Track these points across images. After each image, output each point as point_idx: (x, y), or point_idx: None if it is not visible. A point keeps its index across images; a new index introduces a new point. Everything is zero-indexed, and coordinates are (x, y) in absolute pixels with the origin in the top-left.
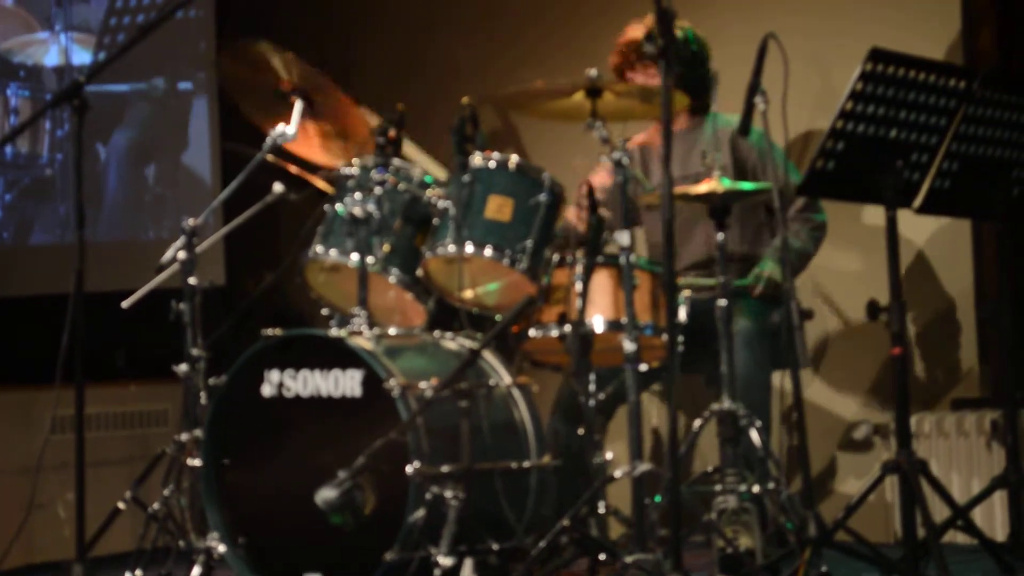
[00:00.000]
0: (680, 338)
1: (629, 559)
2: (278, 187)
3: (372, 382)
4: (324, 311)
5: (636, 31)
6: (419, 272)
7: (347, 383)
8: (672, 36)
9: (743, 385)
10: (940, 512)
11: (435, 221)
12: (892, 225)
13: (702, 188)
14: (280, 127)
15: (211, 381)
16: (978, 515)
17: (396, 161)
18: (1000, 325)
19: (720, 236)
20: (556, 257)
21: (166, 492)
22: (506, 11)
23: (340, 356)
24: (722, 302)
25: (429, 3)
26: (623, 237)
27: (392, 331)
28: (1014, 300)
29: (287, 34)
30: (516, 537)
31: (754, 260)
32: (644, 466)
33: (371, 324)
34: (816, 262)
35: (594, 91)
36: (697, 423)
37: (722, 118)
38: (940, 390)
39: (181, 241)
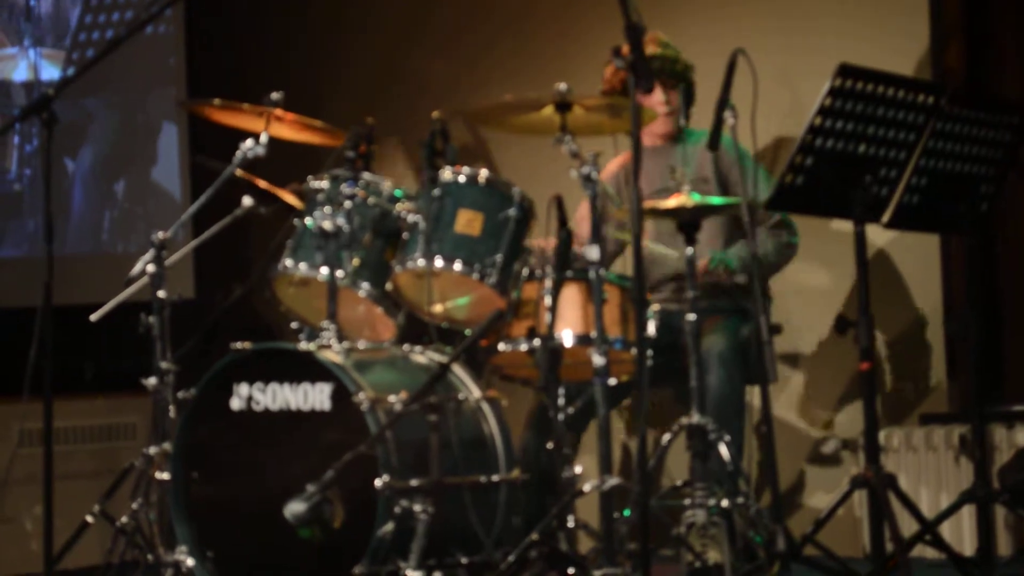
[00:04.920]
0: (650, 352)
1: (598, 573)
2: (248, 201)
3: (341, 396)
4: (293, 325)
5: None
6: (389, 286)
7: (316, 397)
8: (642, 51)
9: (718, 403)
10: (908, 526)
11: (405, 235)
12: (861, 240)
13: (671, 203)
14: (249, 142)
15: (180, 394)
16: (946, 529)
17: (366, 175)
18: (968, 340)
19: (689, 250)
20: (525, 271)
21: (134, 506)
22: (477, 26)
23: (309, 370)
24: (691, 317)
25: (400, 18)
26: (592, 251)
27: (361, 345)
28: (982, 315)
29: (258, 49)
30: (485, 551)
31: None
32: (613, 480)
33: (340, 338)
34: (784, 275)
35: (563, 105)
36: (666, 437)
37: (697, 134)
38: (909, 405)
39: (150, 254)
